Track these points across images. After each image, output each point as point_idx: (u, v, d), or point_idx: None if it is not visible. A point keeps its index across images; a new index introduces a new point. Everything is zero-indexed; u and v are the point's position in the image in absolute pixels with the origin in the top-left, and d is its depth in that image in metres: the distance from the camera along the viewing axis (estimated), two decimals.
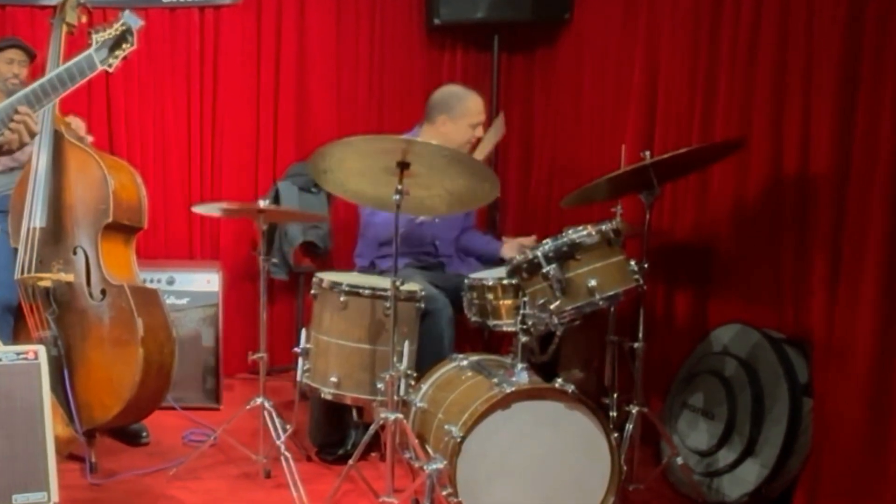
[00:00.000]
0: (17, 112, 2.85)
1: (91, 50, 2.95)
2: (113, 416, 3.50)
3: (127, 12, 3.01)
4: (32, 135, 2.90)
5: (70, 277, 3.51)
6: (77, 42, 3.76)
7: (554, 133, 4.99)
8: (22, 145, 2.92)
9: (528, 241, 4.08)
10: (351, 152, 3.12)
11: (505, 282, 3.38)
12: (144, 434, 3.93)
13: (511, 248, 4.09)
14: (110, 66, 2.97)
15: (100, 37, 2.96)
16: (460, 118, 4.00)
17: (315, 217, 4.68)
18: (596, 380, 3.75)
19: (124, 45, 2.97)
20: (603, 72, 4.51)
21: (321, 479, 3.57)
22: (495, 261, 4.11)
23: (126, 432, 3.91)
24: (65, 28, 3.64)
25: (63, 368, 3.45)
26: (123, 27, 2.97)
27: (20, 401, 2.69)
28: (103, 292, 3.53)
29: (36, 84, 2.90)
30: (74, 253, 3.56)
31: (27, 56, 4.21)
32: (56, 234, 3.55)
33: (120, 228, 3.64)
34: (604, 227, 3.13)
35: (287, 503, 3.37)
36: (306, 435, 3.91)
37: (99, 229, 3.57)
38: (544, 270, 3.10)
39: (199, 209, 3.92)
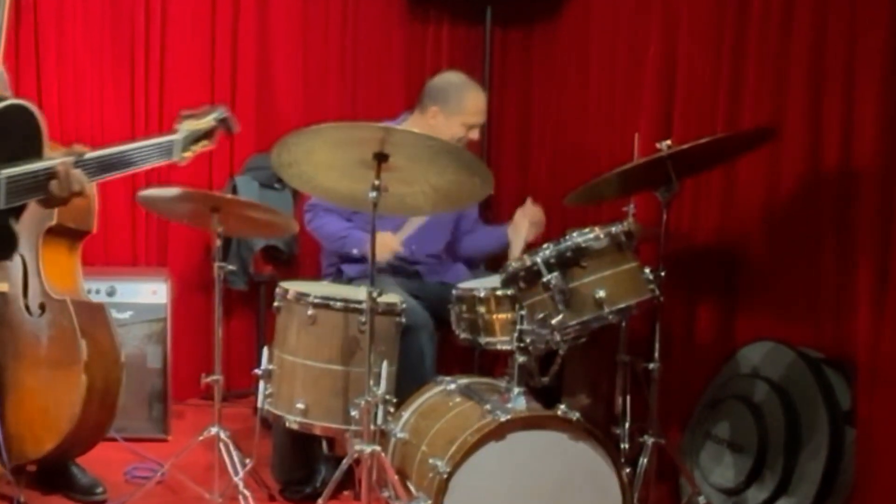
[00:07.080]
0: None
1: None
2: (47, 451, 3.49)
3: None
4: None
5: (4, 287, 3.49)
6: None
7: (556, 120, 4.99)
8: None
9: (535, 212, 4.08)
10: (320, 142, 3.11)
11: (499, 293, 3.37)
12: (99, 490, 3.72)
13: (515, 229, 4.10)
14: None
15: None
16: (454, 115, 4.01)
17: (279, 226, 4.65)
18: (604, 406, 3.75)
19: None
20: (613, 48, 4.51)
21: None
22: (503, 253, 4.11)
23: (75, 487, 3.73)
24: None
25: None
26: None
27: None
28: (42, 307, 3.51)
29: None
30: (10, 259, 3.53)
31: None
32: None
33: (64, 233, 3.62)
34: (614, 230, 3.13)
35: None
36: (269, 470, 3.89)
37: (40, 233, 3.55)
38: (545, 279, 3.09)
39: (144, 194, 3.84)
